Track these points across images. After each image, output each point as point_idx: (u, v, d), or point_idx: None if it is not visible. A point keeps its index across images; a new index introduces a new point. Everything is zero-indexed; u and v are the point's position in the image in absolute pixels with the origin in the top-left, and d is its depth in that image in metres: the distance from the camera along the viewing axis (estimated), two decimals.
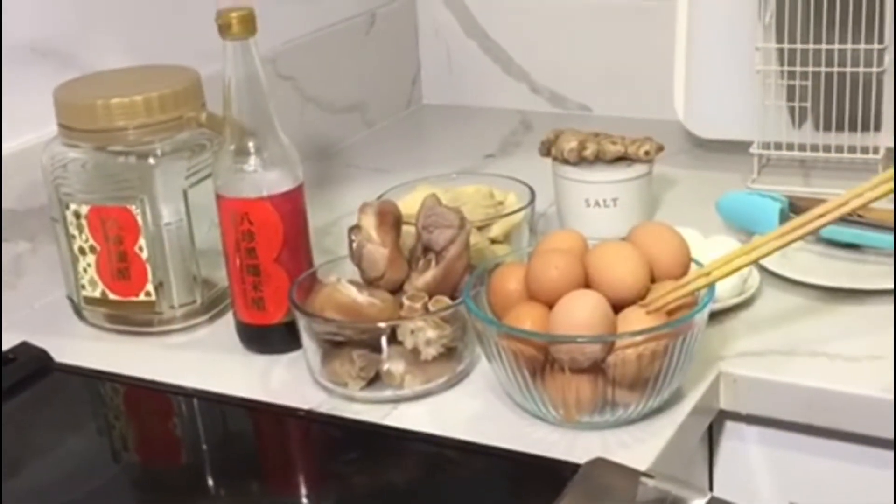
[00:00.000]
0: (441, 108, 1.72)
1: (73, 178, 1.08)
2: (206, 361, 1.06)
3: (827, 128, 1.30)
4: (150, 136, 1.06)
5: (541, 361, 0.89)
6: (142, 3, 1.27)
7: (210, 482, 0.94)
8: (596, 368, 0.88)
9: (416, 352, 0.95)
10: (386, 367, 0.96)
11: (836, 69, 1.27)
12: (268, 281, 1.02)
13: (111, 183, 1.08)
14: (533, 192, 1.16)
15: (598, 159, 1.20)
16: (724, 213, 1.20)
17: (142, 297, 1.09)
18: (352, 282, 0.98)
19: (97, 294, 1.10)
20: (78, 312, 1.13)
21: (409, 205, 1.07)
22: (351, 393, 0.97)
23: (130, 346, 1.10)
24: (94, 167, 1.08)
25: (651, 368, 0.88)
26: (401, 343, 0.95)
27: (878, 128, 1.29)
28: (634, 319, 0.88)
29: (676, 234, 0.95)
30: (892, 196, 0.89)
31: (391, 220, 1.00)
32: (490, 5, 1.65)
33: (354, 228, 1.00)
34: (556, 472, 0.85)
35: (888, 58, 1.26)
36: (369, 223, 0.99)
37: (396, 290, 0.99)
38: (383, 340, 0.96)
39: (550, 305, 0.89)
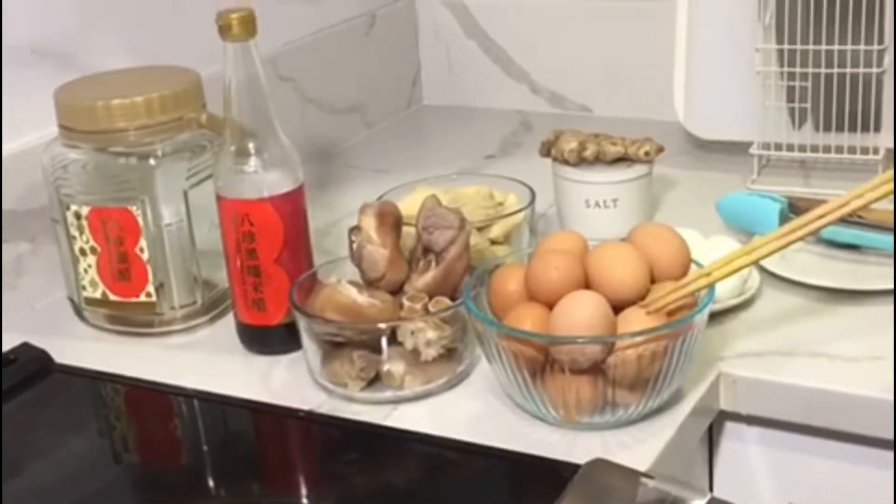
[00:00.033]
0: (441, 108, 1.72)
1: (73, 179, 1.08)
2: (207, 362, 1.06)
3: (827, 128, 1.30)
4: (150, 137, 1.06)
5: (541, 362, 0.89)
6: (142, 5, 1.27)
7: (210, 483, 0.94)
8: (596, 369, 0.88)
9: (416, 352, 0.95)
10: (386, 367, 0.96)
11: (835, 70, 1.27)
12: (268, 282, 1.02)
13: (112, 184, 1.08)
14: (533, 193, 1.16)
15: (599, 160, 1.20)
16: (724, 214, 1.20)
17: (142, 297, 1.09)
18: (352, 282, 0.98)
19: (98, 295, 1.10)
20: (78, 313, 1.13)
21: (409, 206, 1.07)
22: (351, 394, 0.97)
23: (131, 346, 1.10)
24: (95, 168, 1.08)
25: (651, 369, 0.88)
26: (401, 344, 0.95)
27: (877, 128, 1.29)
28: (634, 320, 0.88)
29: (676, 235, 0.95)
30: (892, 197, 0.89)
31: (391, 220, 1.00)
32: (490, 6, 1.65)
33: (354, 229, 1.00)
34: (556, 473, 0.85)
35: (888, 58, 1.26)
36: (369, 224, 0.99)
37: (396, 290, 0.99)
38: (383, 341, 0.96)
39: (550, 306, 0.90)
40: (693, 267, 0.94)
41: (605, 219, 1.20)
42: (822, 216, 0.90)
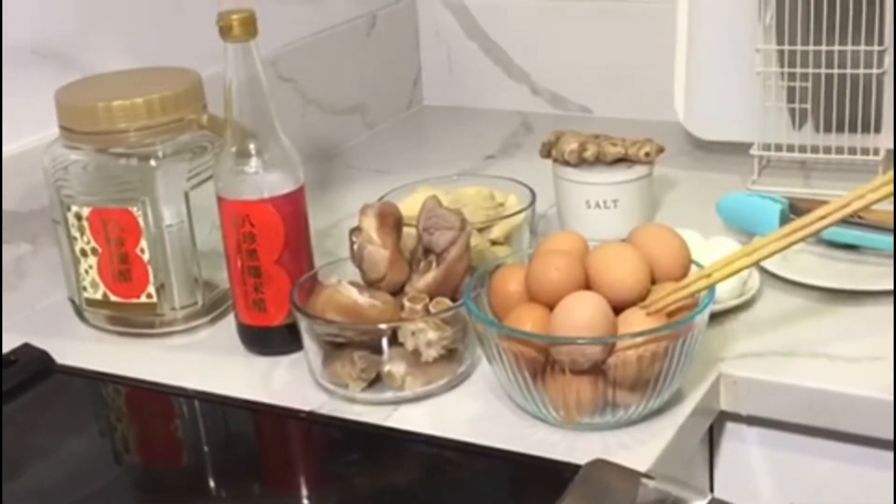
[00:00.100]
0: (442, 109, 1.72)
1: (74, 180, 1.08)
2: (208, 363, 1.06)
3: (827, 129, 1.30)
4: (151, 138, 1.06)
5: (541, 363, 0.89)
6: (143, 5, 1.27)
7: (211, 484, 0.94)
8: (596, 370, 0.88)
9: (416, 353, 0.95)
10: (387, 368, 0.96)
11: (836, 71, 1.27)
12: (269, 282, 1.02)
13: (112, 185, 1.08)
14: (533, 194, 1.16)
15: (599, 161, 1.20)
16: (724, 215, 1.20)
17: (143, 298, 1.09)
18: (353, 283, 0.98)
19: (98, 296, 1.10)
20: (79, 314, 1.13)
21: (409, 206, 1.07)
22: (352, 394, 0.97)
23: (132, 347, 1.10)
24: (96, 169, 1.08)
25: (651, 370, 0.88)
26: (402, 344, 0.95)
27: (878, 129, 1.29)
28: (635, 321, 0.89)
29: (677, 236, 0.95)
30: (892, 198, 0.90)
31: (392, 221, 1.00)
32: (490, 7, 1.65)
33: (355, 230, 1.00)
34: (556, 474, 0.85)
35: (888, 59, 1.26)
36: (370, 225, 0.99)
37: (397, 291, 0.99)
38: (384, 342, 0.96)
39: (551, 307, 0.90)
40: (693, 268, 0.94)
41: (605, 219, 1.20)
42: (823, 217, 0.90)
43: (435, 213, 1.00)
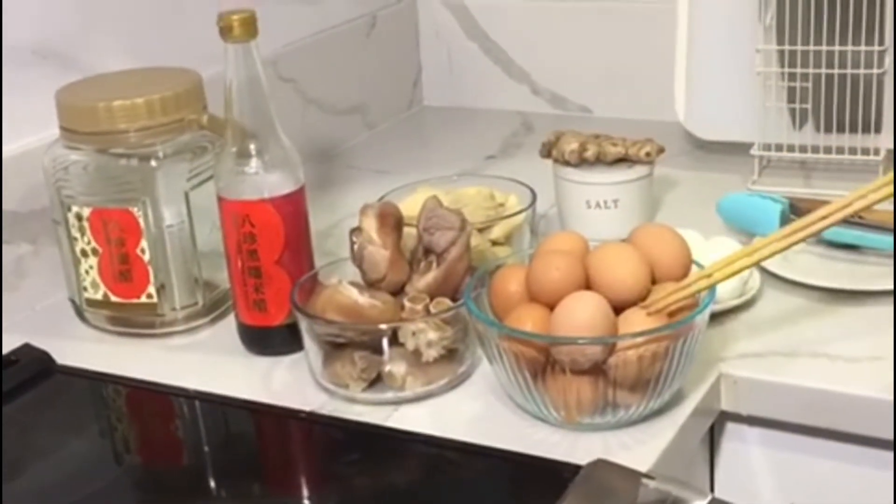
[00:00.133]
0: (442, 109, 1.72)
1: (74, 180, 1.08)
2: (208, 363, 1.06)
3: (827, 129, 1.30)
4: (151, 139, 1.06)
5: (542, 363, 0.89)
6: (143, 6, 1.27)
7: (212, 484, 0.94)
8: (597, 370, 0.88)
9: (417, 353, 0.95)
10: (387, 368, 0.96)
11: (836, 71, 1.27)
12: (269, 283, 1.02)
13: (113, 185, 1.08)
14: (534, 194, 1.16)
15: (599, 161, 1.20)
16: (724, 215, 1.20)
17: (143, 299, 1.09)
18: (353, 283, 0.98)
19: (99, 296, 1.10)
20: (80, 314, 1.13)
21: (410, 206, 1.07)
22: (352, 394, 0.97)
23: (132, 347, 1.10)
24: (96, 169, 1.08)
25: (652, 370, 0.88)
26: (402, 345, 0.95)
27: (878, 129, 1.29)
28: (635, 321, 0.88)
29: (677, 236, 0.95)
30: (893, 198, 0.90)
31: (392, 221, 1.00)
32: (491, 7, 1.65)
33: (356, 230, 1.00)
34: (557, 474, 0.85)
35: (888, 59, 1.26)
36: (370, 225, 0.99)
37: (398, 291, 0.99)
38: (385, 342, 0.96)
39: (551, 307, 0.90)
40: (694, 268, 0.94)
41: (605, 219, 1.20)
42: (824, 217, 0.90)
43: (435, 213, 1.00)
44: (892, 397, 0.92)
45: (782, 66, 1.30)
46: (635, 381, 0.88)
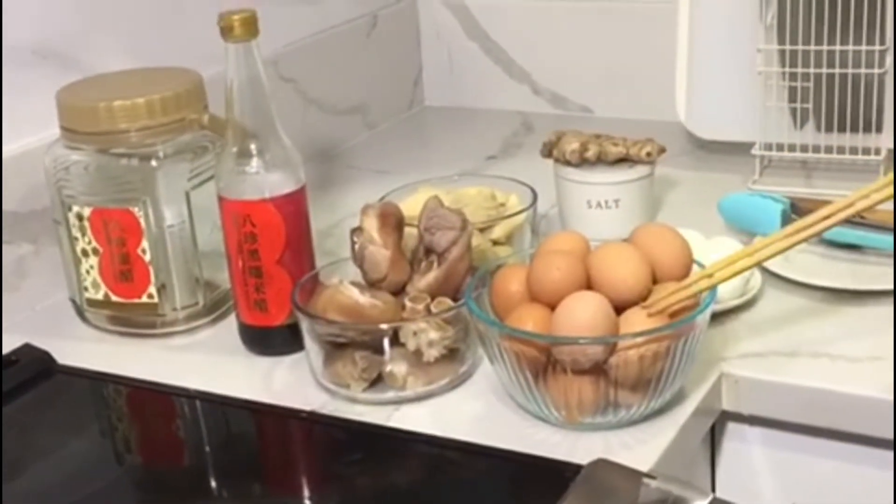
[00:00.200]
0: (443, 109, 1.72)
1: (75, 180, 1.08)
2: (209, 363, 1.06)
3: (828, 129, 1.30)
4: (152, 139, 1.06)
5: (543, 363, 0.89)
6: (144, 6, 1.27)
7: (213, 484, 0.94)
8: (598, 370, 0.88)
9: (418, 353, 0.95)
10: (388, 368, 0.96)
11: (837, 70, 1.27)
12: (270, 283, 1.02)
13: (113, 185, 1.08)
14: (535, 194, 1.16)
15: (600, 161, 1.20)
16: (725, 215, 1.20)
17: (144, 299, 1.09)
18: (354, 283, 0.98)
19: (100, 296, 1.10)
20: (80, 314, 1.13)
21: (411, 206, 1.07)
22: (353, 394, 0.97)
23: (133, 347, 1.10)
24: (97, 169, 1.08)
25: (653, 369, 0.88)
26: (403, 344, 0.95)
27: (879, 129, 1.29)
28: (636, 321, 0.88)
29: (678, 236, 0.95)
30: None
31: (393, 221, 1.00)
32: (491, 7, 1.65)
33: (356, 230, 1.00)
34: (558, 473, 0.85)
35: (889, 59, 1.26)
36: (371, 225, 0.99)
37: (398, 291, 0.99)
38: (385, 342, 0.96)
39: (552, 307, 0.90)
40: (695, 268, 0.94)
41: (606, 219, 1.20)
42: (827, 217, 0.90)
43: (436, 213, 1.00)
44: (892, 397, 0.92)
45: (783, 65, 1.30)
46: (636, 380, 0.88)
